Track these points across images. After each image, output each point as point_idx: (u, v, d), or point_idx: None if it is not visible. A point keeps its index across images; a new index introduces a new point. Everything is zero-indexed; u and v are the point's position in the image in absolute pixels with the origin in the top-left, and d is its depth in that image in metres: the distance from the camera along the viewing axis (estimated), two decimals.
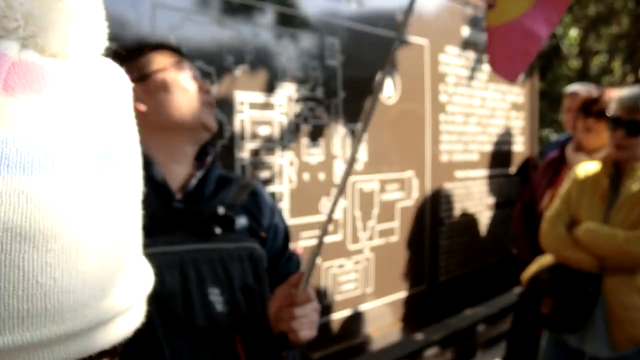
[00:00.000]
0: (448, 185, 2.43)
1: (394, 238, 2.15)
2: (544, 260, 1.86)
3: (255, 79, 1.58)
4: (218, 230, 0.91)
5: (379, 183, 2.06)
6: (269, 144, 1.67)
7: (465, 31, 2.50)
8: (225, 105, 1.55)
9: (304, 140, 1.76)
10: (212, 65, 1.51)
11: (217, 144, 1.51)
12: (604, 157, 1.83)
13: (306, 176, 1.76)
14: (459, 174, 2.48)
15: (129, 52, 0.99)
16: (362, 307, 2.03)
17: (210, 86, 1.07)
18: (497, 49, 0.99)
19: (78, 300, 0.28)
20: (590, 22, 4.52)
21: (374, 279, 2.06)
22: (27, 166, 0.27)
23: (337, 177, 1.89)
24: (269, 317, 0.90)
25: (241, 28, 1.58)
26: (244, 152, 1.59)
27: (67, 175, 0.28)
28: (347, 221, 1.94)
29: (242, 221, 0.97)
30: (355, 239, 1.98)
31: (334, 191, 1.88)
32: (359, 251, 2.00)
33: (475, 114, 2.57)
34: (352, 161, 1.00)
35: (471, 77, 2.53)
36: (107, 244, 0.30)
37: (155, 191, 0.93)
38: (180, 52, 1.05)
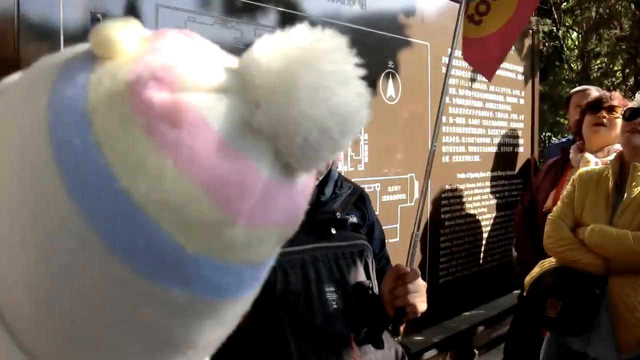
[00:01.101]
0: (449, 187, 2.43)
1: (395, 239, 2.15)
2: (546, 263, 1.86)
3: None
4: (333, 231, 1.01)
5: (380, 185, 2.06)
6: None
7: None
8: None
9: None
10: None
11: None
12: (605, 167, 1.82)
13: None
14: (460, 175, 2.49)
15: None
16: None
17: None
18: (478, 55, 1.24)
19: None
20: (592, 25, 4.52)
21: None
22: None
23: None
24: (383, 299, 1.00)
25: (244, 30, 1.58)
26: None
27: None
28: None
29: (353, 219, 1.09)
30: None
31: None
32: None
33: (476, 115, 2.57)
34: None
35: (473, 79, 2.53)
36: None
37: None
38: None
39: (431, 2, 2.29)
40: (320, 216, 1.03)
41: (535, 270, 1.87)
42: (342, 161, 1.90)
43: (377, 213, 2.03)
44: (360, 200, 1.17)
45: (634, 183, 1.69)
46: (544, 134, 4.78)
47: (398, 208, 2.15)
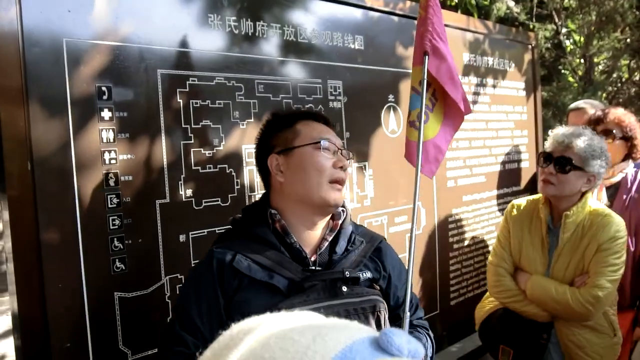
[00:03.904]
0: (456, 210, 2.45)
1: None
2: (493, 303, 1.93)
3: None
4: (344, 288, 1.06)
5: (387, 217, 2.09)
6: None
7: (466, 57, 2.53)
8: (234, 159, 1.59)
9: None
10: (219, 122, 1.55)
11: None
12: (537, 200, 1.88)
13: None
14: (466, 198, 2.51)
15: (282, 121, 1.18)
16: None
17: (346, 161, 1.15)
18: (424, 156, 1.43)
19: None
20: (593, 29, 4.51)
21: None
22: None
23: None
24: None
25: (247, 79, 1.62)
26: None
27: None
28: None
29: (367, 275, 1.12)
30: None
31: None
32: None
33: (479, 137, 2.59)
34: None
35: (474, 102, 2.55)
36: None
37: (293, 257, 1.09)
38: (327, 121, 1.20)
39: None
40: (330, 275, 1.07)
41: (485, 309, 1.93)
42: (349, 199, 1.93)
43: None
44: (377, 252, 1.20)
45: (565, 230, 1.74)
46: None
47: (406, 237, 2.17)
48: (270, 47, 1.69)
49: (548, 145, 1.79)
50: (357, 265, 1.13)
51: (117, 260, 1.37)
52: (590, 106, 2.71)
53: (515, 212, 1.91)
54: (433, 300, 2.33)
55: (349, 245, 1.15)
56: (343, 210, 1.18)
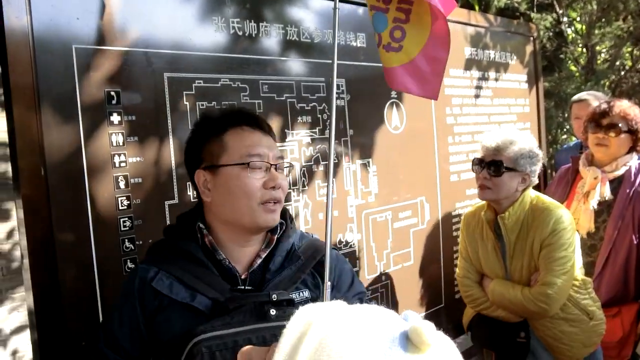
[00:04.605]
0: (459, 204, 2.48)
1: (409, 262, 2.21)
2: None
3: None
4: (273, 312, 0.95)
5: (392, 212, 2.12)
6: None
7: (467, 51, 2.54)
8: None
9: (317, 181, 1.83)
10: None
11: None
12: (481, 206, 1.92)
13: (321, 215, 1.83)
14: (469, 191, 2.53)
15: (212, 127, 1.06)
16: None
17: (278, 179, 1.05)
18: (414, 79, 1.18)
19: None
20: (594, 18, 4.49)
21: (391, 304, 2.13)
22: None
23: (351, 213, 1.96)
24: None
25: (252, 80, 1.65)
26: None
27: None
28: (363, 253, 2.01)
29: (304, 294, 1.03)
30: (373, 269, 2.05)
31: (348, 227, 1.95)
32: (377, 279, 2.07)
33: (482, 130, 2.60)
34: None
35: (477, 95, 2.56)
36: None
37: (222, 274, 1.02)
38: (261, 125, 1.07)
39: None
40: (256, 298, 0.97)
41: (468, 314, 2.00)
42: (354, 195, 1.96)
43: (389, 240, 2.11)
44: (319, 265, 1.07)
45: (508, 232, 1.79)
46: (553, 132, 4.76)
47: (410, 232, 2.20)
48: (273, 47, 1.71)
49: (479, 152, 1.84)
50: (294, 283, 1.03)
51: (128, 260, 1.40)
52: (594, 97, 2.71)
53: (466, 222, 1.95)
54: (438, 294, 2.37)
55: (286, 262, 1.06)
56: (282, 223, 1.09)
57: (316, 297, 1.06)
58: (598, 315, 1.81)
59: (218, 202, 1.03)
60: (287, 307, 0.98)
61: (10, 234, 3.22)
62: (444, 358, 0.46)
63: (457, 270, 1.99)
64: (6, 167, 3.16)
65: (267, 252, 1.06)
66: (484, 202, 1.91)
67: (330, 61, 1.87)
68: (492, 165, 1.77)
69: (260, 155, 1.03)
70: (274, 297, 0.97)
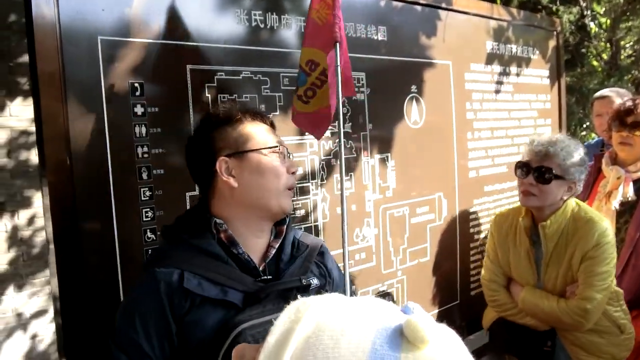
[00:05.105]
0: (477, 201, 2.46)
1: (426, 258, 2.20)
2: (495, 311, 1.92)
3: (287, 123, 1.65)
4: (299, 297, 0.98)
5: (409, 207, 2.11)
6: (303, 183, 1.75)
7: (489, 45, 2.50)
8: None
9: (336, 175, 1.83)
10: None
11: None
12: (519, 210, 1.84)
13: (339, 210, 1.83)
14: (487, 188, 2.51)
15: (226, 120, 1.10)
16: None
17: (296, 167, 1.13)
18: (307, 123, 1.53)
19: None
20: (620, 12, 4.39)
21: (407, 300, 2.13)
22: None
23: (368, 207, 1.96)
24: None
25: (273, 73, 1.65)
26: None
27: None
28: (380, 248, 2.01)
29: (315, 282, 1.08)
30: (389, 264, 2.05)
31: (366, 221, 1.95)
32: (393, 274, 2.07)
33: (501, 126, 2.57)
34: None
35: (497, 91, 2.53)
36: None
37: (240, 268, 1.04)
38: (272, 123, 1.15)
39: (451, 19, 2.29)
40: (288, 284, 1.03)
41: (489, 316, 1.94)
42: (372, 190, 1.96)
43: (406, 235, 2.10)
44: (320, 256, 1.16)
45: (547, 241, 1.72)
46: (572, 129, 4.68)
47: (427, 228, 2.20)
48: (295, 40, 1.71)
49: (525, 155, 1.75)
50: (305, 271, 1.09)
51: (149, 250, 1.43)
52: (617, 94, 2.66)
53: (498, 224, 1.89)
54: (453, 291, 2.36)
55: (294, 251, 1.11)
56: (287, 215, 1.14)
57: (324, 284, 1.12)
58: (628, 329, 1.77)
59: (246, 186, 1.05)
60: (304, 293, 1.02)
61: (31, 221, 3.29)
62: (444, 356, 0.39)
63: (482, 272, 1.94)
64: (27, 155, 3.23)
65: (279, 242, 1.10)
66: (519, 205, 1.85)
67: (352, 54, 1.87)
68: (539, 172, 1.69)
69: (280, 142, 1.10)
70: (304, 282, 1.03)
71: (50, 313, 3.39)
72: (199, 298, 0.99)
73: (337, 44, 1.41)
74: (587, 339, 1.70)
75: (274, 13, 1.66)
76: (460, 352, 0.41)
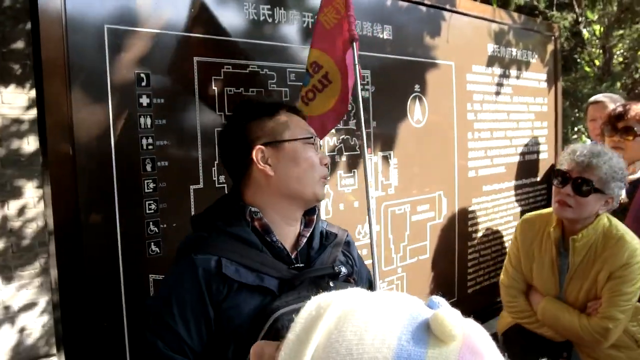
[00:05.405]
0: (476, 200, 2.47)
1: (425, 256, 2.21)
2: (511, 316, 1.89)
3: None
4: (331, 284, 1.05)
5: (410, 205, 2.11)
6: None
7: (490, 47, 2.51)
8: None
9: (340, 172, 1.82)
10: None
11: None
12: (548, 218, 1.78)
13: (342, 206, 1.82)
14: (486, 187, 2.52)
15: (263, 110, 1.13)
16: None
17: (328, 159, 1.15)
18: (316, 125, 1.48)
19: None
20: (613, 20, 4.45)
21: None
22: None
23: (370, 204, 1.95)
24: None
25: (279, 68, 1.64)
26: None
27: None
28: (381, 244, 2.01)
29: (344, 270, 1.11)
30: (389, 261, 2.05)
31: (368, 218, 1.94)
32: (393, 271, 2.07)
33: (500, 127, 2.59)
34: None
35: (497, 92, 2.54)
36: None
37: (274, 255, 1.06)
38: (304, 116, 1.18)
39: (455, 20, 2.30)
40: (322, 271, 1.06)
41: (506, 320, 1.90)
42: (374, 187, 1.96)
43: (407, 233, 2.11)
44: (346, 245, 1.20)
45: (575, 254, 1.68)
46: (564, 131, 4.74)
47: (427, 226, 2.20)
48: (302, 36, 1.70)
49: (564, 163, 1.68)
50: (334, 260, 1.12)
51: (152, 243, 1.40)
52: (610, 100, 2.69)
53: (525, 229, 1.82)
54: (451, 288, 2.37)
55: (323, 240, 1.15)
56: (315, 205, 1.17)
57: (351, 273, 1.15)
58: None
59: (282, 174, 1.07)
60: (334, 280, 1.06)
61: (21, 212, 3.22)
62: (472, 352, 0.38)
63: (501, 276, 1.89)
64: (19, 144, 3.16)
65: (309, 232, 1.13)
66: (547, 212, 1.79)
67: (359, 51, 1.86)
68: (579, 183, 1.62)
69: (313, 134, 1.12)
70: (337, 269, 1.06)
71: (40, 306, 3.33)
72: (236, 284, 1.00)
73: (354, 43, 1.42)
74: (605, 352, 1.66)
75: (282, 8, 1.65)
76: (489, 348, 0.40)
